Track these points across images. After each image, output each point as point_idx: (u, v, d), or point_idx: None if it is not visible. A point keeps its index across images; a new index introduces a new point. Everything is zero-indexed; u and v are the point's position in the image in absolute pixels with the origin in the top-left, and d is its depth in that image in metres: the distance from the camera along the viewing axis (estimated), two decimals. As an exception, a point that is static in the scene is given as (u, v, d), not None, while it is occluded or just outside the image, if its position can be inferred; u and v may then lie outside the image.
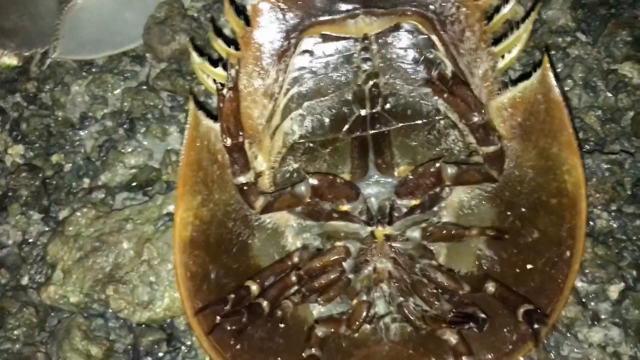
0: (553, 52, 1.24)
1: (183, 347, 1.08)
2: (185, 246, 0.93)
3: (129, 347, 1.09)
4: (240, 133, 0.92)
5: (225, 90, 0.91)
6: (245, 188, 0.96)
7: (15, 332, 1.10)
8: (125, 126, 1.23)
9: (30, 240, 1.17)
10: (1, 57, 1.31)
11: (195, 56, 1.05)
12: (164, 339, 1.08)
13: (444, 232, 0.97)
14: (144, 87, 1.27)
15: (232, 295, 0.90)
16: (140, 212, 1.12)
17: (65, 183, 1.21)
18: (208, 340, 0.91)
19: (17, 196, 1.19)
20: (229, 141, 0.91)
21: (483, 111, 0.91)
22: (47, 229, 1.17)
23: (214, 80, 1.05)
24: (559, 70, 1.23)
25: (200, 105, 1.11)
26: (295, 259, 0.95)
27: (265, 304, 0.88)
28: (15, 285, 1.14)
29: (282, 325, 0.95)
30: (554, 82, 0.96)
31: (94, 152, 1.23)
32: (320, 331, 0.91)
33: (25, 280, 1.14)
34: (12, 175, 1.21)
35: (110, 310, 1.10)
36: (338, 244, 0.96)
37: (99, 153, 1.22)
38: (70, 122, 1.25)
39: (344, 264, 0.94)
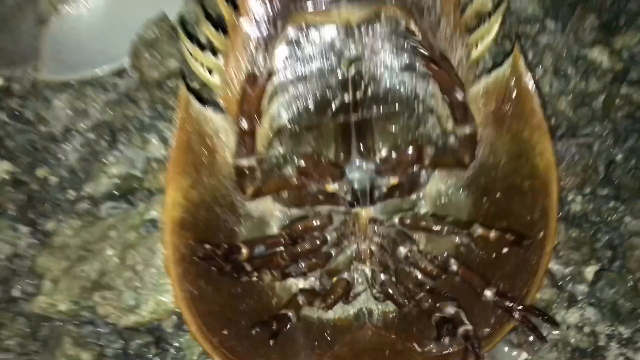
0: (523, 40, 1.24)
1: (171, 349, 1.09)
2: (175, 227, 0.95)
3: (119, 351, 1.10)
4: (258, 120, 0.95)
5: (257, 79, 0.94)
6: (245, 171, 0.97)
7: (9, 342, 1.11)
8: (106, 137, 1.23)
9: (20, 253, 1.17)
10: None
11: (186, 42, 1.06)
12: (152, 342, 1.10)
13: (424, 223, 0.97)
14: (124, 98, 1.25)
15: (226, 246, 0.92)
16: (123, 219, 1.14)
17: (51, 196, 1.21)
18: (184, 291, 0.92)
19: (3, 210, 1.20)
20: (245, 125, 0.94)
21: (464, 90, 0.93)
22: (35, 241, 1.17)
23: (208, 69, 1.04)
24: (529, 57, 1.23)
25: (189, 86, 1.07)
26: (286, 237, 0.96)
27: (248, 268, 0.92)
28: (7, 297, 1.15)
29: (256, 292, 0.96)
30: (524, 69, 0.99)
31: (77, 165, 1.23)
32: (300, 299, 0.94)
33: (16, 292, 1.15)
34: (1, 191, 1.20)
35: (99, 316, 1.11)
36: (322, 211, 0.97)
37: (82, 165, 1.22)
38: (53, 137, 1.25)
39: (326, 234, 0.97)
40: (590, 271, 1.10)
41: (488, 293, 0.92)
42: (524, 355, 1.05)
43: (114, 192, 1.20)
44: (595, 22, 1.26)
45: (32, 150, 1.24)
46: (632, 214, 1.14)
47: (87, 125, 1.25)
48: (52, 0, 1.26)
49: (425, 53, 0.96)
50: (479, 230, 0.95)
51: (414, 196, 1.01)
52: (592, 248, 1.11)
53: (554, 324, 0.96)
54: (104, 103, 1.25)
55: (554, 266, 1.10)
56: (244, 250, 0.94)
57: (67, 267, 1.13)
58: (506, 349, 1.04)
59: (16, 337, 1.11)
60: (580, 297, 1.09)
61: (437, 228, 0.98)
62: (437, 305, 0.94)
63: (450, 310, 0.90)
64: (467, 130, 0.96)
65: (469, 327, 0.89)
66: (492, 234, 0.93)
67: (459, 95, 0.95)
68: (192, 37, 1.16)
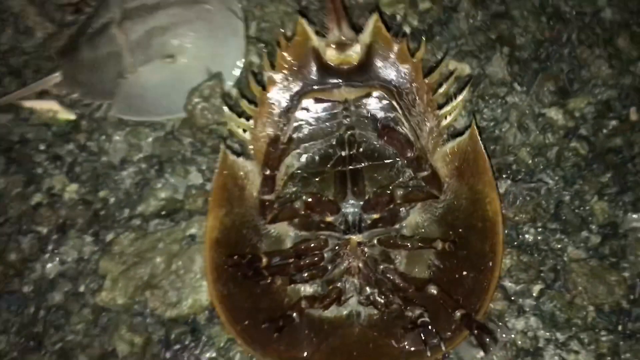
0: (493, 100, 1.33)
1: (203, 337, 1.19)
2: (212, 244, 1.11)
3: (162, 337, 1.19)
4: (277, 169, 1.13)
5: (278, 140, 1.13)
6: (267, 203, 1.12)
7: (77, 327, 1.21)
8: (155, 167, 1.33)
9: (85, 258, 1.26)
10: (59, 113, 1.39)
11: (227, 111, 1.24)
12: (188, 331, 1.19)
13: (398, 241, 1.11)
14: (170, 136, 1.34)
15: (250, 256, 1.06)
16: (168, 234, 1.24)
17: (110, 213, 1.30)
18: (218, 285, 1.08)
19: (74, 224, 1.29)
20: (268, 172, 1.11)
21: (414, 149, 1.08)
22: (97, 248, 1.27)
23: (243, 129, 1.21)
24: (498, 114, 1.33)
25: (227, 145, 1.23)
26: (295, 252, 1.11)
27: (266, 274, 1.07)
28: (75, 292, 1.24)
29: (271, 293, 1.10)
30: (478, 138, 1.15)
31: (132, 188, 1.32)
32: (303, 303, 1.06)
33: (82, 288, 1.24)
34: (70, 207, 1.30)
35: (148, 309, 1.21)
36: (321, 236, 1.12)
37: (135, 189, 1.32)
38: (112, 165, 1.34)
39: (324, 253, 1.11)
40: (536, 289, 1.20)
41: (457, 314, 1.03)
42: (482, 353, 1.14)
43: (161, 212, 1.29)
44: (553, 87, 1.35)
45: (96, 176, 1.33)
46: (573, 245, 1.23)
47: (140, 157, 1.35)
48: (133, 62, 1.34)
49: (379, 127, 1.12)
50: (439, 245, 1.06)
51: (397, 226, 1.13)
52: (538, 270, 1.20)
53: (494, 338, 1.09)
54: (153, 140, 1.36)
55: (507, 284, 1.19)
56: (264, 260, 1.07)
57: (124, 270, 1.22)
58: (467, 347, 1.14)
59: (82, 323, 1.21)
60: (527, 309, 1.18)
61: (406, 243, 1.10)
62: (407, 309, 1.03)
63: (416, 312, 1.02)
64: (424, 173, 1.09)
65: (426, 319, 1.01)
66: (446, 245, 1.05)
67: (410, 154, 1.08)
68: (232, 107, 1.27)
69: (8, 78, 1.46)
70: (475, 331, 1.01)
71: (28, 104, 1.41)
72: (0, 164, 1.35)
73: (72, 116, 1.39)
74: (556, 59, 1.39)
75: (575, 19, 1.43)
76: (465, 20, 1.42)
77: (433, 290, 1.05)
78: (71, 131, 1.38)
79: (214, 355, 1.18)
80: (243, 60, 1.36)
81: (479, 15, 1.42)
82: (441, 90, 1.21)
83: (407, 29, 1.42)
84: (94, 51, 1.38)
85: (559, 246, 1.23)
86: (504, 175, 1.28)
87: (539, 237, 1.24)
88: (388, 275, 1.08)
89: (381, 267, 1.09)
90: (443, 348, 1.04)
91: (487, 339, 1.04)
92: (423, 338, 1.01)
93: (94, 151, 1.36)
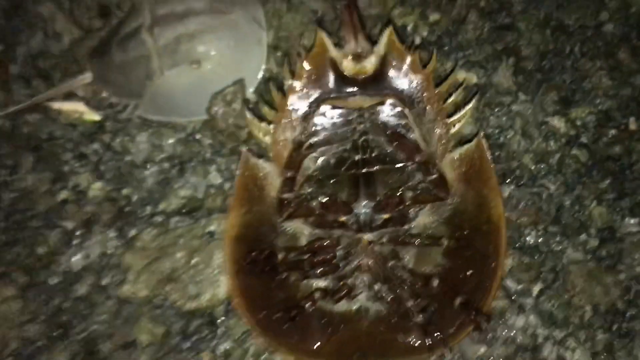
0: (498, 108, 1.37)
1: (220, 329, 1.21)
2: (232, 240, 1.16)
3: (182, 328, 1.22)
4: (298, 171, 1.19)
5: (302, 145, 1.20)
6: (285, 202, 1.18)
7: (101, 317, 1.23)
8: (177, 167, 1.35)
9: (109, 252, 1.28)
10: (85, 114, 1.43)
11: (249, 115, 1.29)
12: (206, 323, 1.22)
13: (407, 239, 1.16)
14: (191, 138, 1.38)
15: (266, 257, 1.12)
16: (189, 231, 1.27)
17: (133, 210, 1.32)
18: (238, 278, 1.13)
19: (98, 220, 1.31)
20: (289, 174, 1.18)
21: (421, 154, 1.15)
22: (120, 243, 1.28)
23: (263, 133, 1.27)
24: (503, 121, 1.36)
25: (247, 147, 1.29)
26: (309, 249, 1.16)
27: (282, 269, 1.12)
28: (99, 284, 1.26)
29: (286, 287, 1.14)
30: (484, 146, 1.20)
31: (154, 187, 1.34)
32: (316, 296, 1.10)
33: (106, 281, 1.26)
34: (95, 204, 1.32)
35: (168, 302, 1.23)
36: (334, 235, 1.16)
37: (157, 187, 1.34)
38: (135, 165, 1.36)
39: (337, 251, 1.14)
40: (536, 288, 1.22)
41: (457, 301, 1.08)
42: (483, 348, 1.17)
43: (182, 209, 1.31)
44: (556, 96, 1.38)
45: (120, 174, 1.36)
46: (572, 247, 1.26)
47: (162, 157, 1.38)
48: (160, 66, 1.37)
49: (389, 133, 1.18)
50: (445, 242, 1.13)
51: (406, 227, 1.17)
52: (539, 271, 1.23)
53: (488, 321, 1.10)
54: (175, 141, 1.39)
55: (508, 283, 1.22)
56: (280, 256, 1.13)
57: (146, 264, 1.25)
58: (470, 343, 1.18)
59: (105, 314, 1.23)
60: (527, 307, 1.20)
61: (413, 240, 1.14)
62: (413, 305, 1.08)
63: (422, 306, 1.07)
64: (432, 176, 1.16)
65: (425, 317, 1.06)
66: (451, 243, 1.12)
67: (418, 158, 1.15)
68: (253, 112, 1.31)
69: (37, 80, 1.50)
70: (473, 316, 1.06)
71: (56, 105, 1.45)
72: (29, 161, 1.38)
73: (97, 117, 1.43)
74: (559, 70, 1.42)
75: (577, 32, 1.46)
76: (473, 32, 1.46)
77: (435, 282, 1.10)
78: (97, 131, 1.42)
79: (230, 346, 1.21)
80: (264, 68, 1.41)
81: (485, 27, 1.46)
82: (450, 99, 1.27)
83: (417, 40, 1.46)
84: (125, 54, 1.42)
85: (559, 248, 1.26)
86: (507, 180, 1.31)
87: (540, 240, 1.26)
88: (396, 271, 1.13)
89: (390, 263, 1.14)
90: (444, 344, 1.08)
91: (485, 326, 1.09)
92: (425, 334, 1.07)
93: (118, 151, 1.39)
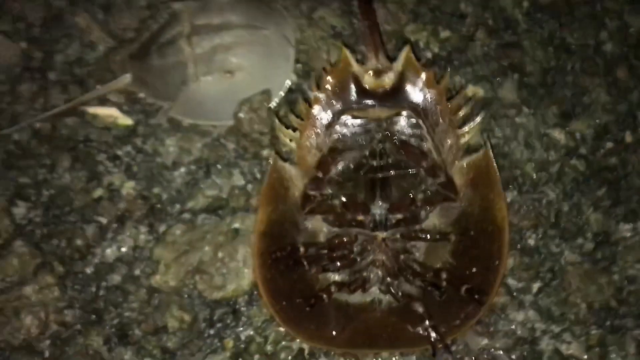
0: (503, 120, 1.41)
1: (243, 317, 1.25)
2: (260, 235, 1.21)
3: (208, 316, 1.25)
4: (328, 173, 1.25)
5: (335, 150, 1.26)
6: (310, 197, 1.24)
7: (133, 305, 1.27)
8: (203, 169, 1.39)
9: (140, 246, 1.32)
10: (119, 119, 1.48)
11: (277, 122, 1.38)
12: (230, 311, 1.25)
13: (418, 234, 1.21)
14: (217, 142, 1.41)
15: (289, 248, 1.17)
16: (215, 227, 1.30)
17: (163, 207, 1.35)
18: (263, 269, 1.18)
19: (131, 216, 1.35)
20: (320, 174, 1.24)
21: (428, 160, 1.22)
22: (151, 238, 1.32)
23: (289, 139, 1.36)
24: (507, 132, 1.39)
25: (276, 151, 1.35)
26: (328, 245, 1.21)
27: (303, 262, 1.17)
28: (131, 275, 1.29)
29: (306, 279, 1.19)
30: (491, 156, 1.25)
31: (182, 187, 1.38)
32: (333, 287, 1.15)
33: (137, 272, 1.29)
34: (127, 201, 1.36)
35: (196, 292, 1.26)
36: (352, 233, 1.21)
37: (186, 187, 1.38)
38: (166, 166, 1.40)
39: (353, 247, 1.18)
40: (535, 286, 1.25)
41: (462, 289, 1.14)
42: (485, 340, 1.20)
43: (208, 208, 1.34)
44: (557, 110, 1.41)
45: (150, 175, 1.39)
46: (570, 250, 1.29)
47: (190, 159, 1.40)
48: (196, 72, 1.44)
49: (399, 143, 1.25)
50: (453, 237, 1.19)
51: (417, 227, 1.21)
52: (537, 271, 1.26)
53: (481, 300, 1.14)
54: (202, 145, 1.41)
55: (510, 281, 1.26)
56: (301, 250, 1.17)
57: (176, 257, 1.27)
58: (474, 336, 1.21)
59: (137, 302, 1.27)
60: (526, 304, 1.23)
61: (424, 235, 1.21)
62: (418, 302, 1.13)
63: (435, 293, 1.13)
64: (440, 179, 1.22)
65: (423, 311, 1.11)
66: (458, 239, 1.18)
67: (425, 164, 1.22)
68: (280, 119, 1.39)
69: (73, 86, 1.56)
70: (476, 296, 1.14)
71: (92, 109, 1.52)
72: (66, 161, 1.42)
73: (130, 122, 1.49)
74: (561, 85, 1.44)
75: (579, 50, 1.48)
76: (481, 49, 1.49)
77: (443, 275, 1.16)
78: (129, 135, 1.45)
79: (251, 333, 1.24)
80: (290, 81, 1.48)
81: (492, 45, 1.49)
82: (461, 113, 1.34)
83: (429, 55, 1.53)
84: (163, 59, 1.48)
85: (557, 250, 1.29)
86: (510, 187, 1.35)
87: (540, 242, 1.30)
88: (407, 263, 1.19)
89: (402, 257, 1.20)
90: (433, 335, 1.13)
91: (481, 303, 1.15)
92: (425, 327, 1.13)
93: (149, 153, 1.42)
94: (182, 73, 1.44)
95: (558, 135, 1.40)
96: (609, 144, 1.40)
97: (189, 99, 1.44)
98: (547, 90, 1.44)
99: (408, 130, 1.27)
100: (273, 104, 1.47)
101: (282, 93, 1.48)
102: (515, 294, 1.25)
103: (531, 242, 1.31)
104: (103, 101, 1.54)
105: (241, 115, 1.42)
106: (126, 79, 1.53)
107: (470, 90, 1.43)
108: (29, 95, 1.54)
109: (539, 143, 1.38)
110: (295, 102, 1.37)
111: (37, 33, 1.63)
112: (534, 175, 1.36)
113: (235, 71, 1.45)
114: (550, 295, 1.25)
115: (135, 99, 1.52)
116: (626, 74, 1.47)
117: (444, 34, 1.53)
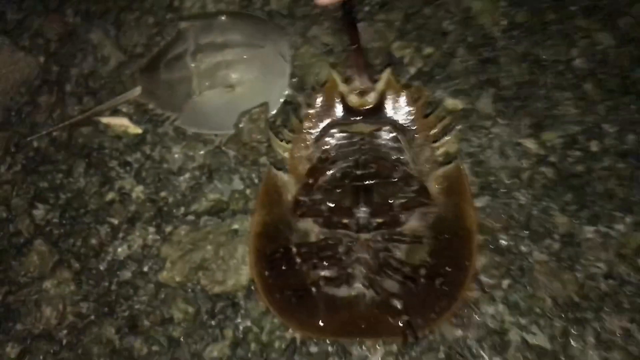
0: (480, 130, 1.43)
1: (242, 310, 1.29)
2: (256, 236, 1.27)
3: (209, 308, 1.29)
4: (318, 180, 1.30)
5: (327, 160, 1.31)
6: (301, 202, 1.27)
7: (142, 298, 1.33)
8: (206, 175, 1.44)
9: (148, 245, 1.37)
10: (129, 128, 1.53)
11: (272, 135, 1.41)
12: (230, 304, 1.29)
13: (396, 236, 1.24)
14: (218, 150, 1.46)
15: (282, 250, 1.23)
16: (216, 228, 1.36)
17: (170, 210, 1.41)
18: (260, 271, 1.22)
19: (140, 217, 1.41)
20: (311, 181, 1.29)
21: (400, 171, 1.27)
22: (158, 237, 1.37)
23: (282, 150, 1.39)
24: (483, 142, 1.41)
25: (269, 161, 1.40)
26: (317, 245, 1.24)
27: (298, 261, 1.22)
28: (140, 271, 1.35)
29: (297, 275, 1.23)
30: (461, 167, 1.32)
31: (187, 191, 1.43)
32: (321, 282, 1.20)
33: (146, 269, 1.35)
34: (137, 204, 1.42)
35: (199, 286, 1.30)
36: (338, 234, 1.25)
37: (190, 191, 1.43)
38: (172, 172, 1.46)
39: (340, 247, 1.24)
40: (505, 283, 1.28)
41: (436, 282, 1.19)
42: (460, 332, 1.24)
43: (210, 210, 1.40)
44: (530, 122, 1.43)
45: (158, 180, 1.46)
46: (538, 249, 1.30)
47: (194, 166, 1.46)
48: (199, 86, 1.50)
49: (374, 158, 1.29)
50: (428, 239, 1.22)
51: (397, 229, 1.26)
52: (508, 269, 1.28)
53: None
54: (205, 152, 1.47)
55: (482, 278, 1.28)
56: (294, 250, 1.23)
57: (181, 255, 1.33)
58: (449, 327, 1.25)
59: (146, 296, 1.32)
60: (497, 298, 1.26)
61: (402, 238, 1.24)
62: (397, 295, 1.18)
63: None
64: (414, 187, 1.30)
65: (398, 305, 1.16)
66: (430, 241, 1.22)
67: (398, 174, 1.28)
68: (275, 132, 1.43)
69: (87, 97, 1.65)
70: (448, 289, 1.19)
71: (104, 119, 1.59)
72: (81, 167, 1.50)
73: (139, 131, 1.54)
74: (534, 98, 1.46)
75: (551, 66, 1.51)
76: (460, 64, 1.52)
77: (421, 271, 1.20)
78: (139, 143, 1.51)
79: (249, 324, 1.29)
80: (285, 94, 1.52)
81: (472, 60, 1.53)
82: (436, 129, 1.42)
83: (413, 70, 1.58)
84: (170, 73, 1.54)
85: (526, 250, 1.32)
86: (485, 192, 1.38)
87: (511, 243, 1.33)
88: (388, 261, 1.23)
89: (382, 255, 1.23)
90: (403, 326, 1.18)
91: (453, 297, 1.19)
92: (408, 317, 1.16)
93: (156, 159, 1.48)
94: (188, 87, 1.51)
95: (530, 144, 1.41)
96: (577, 153, 1.40)
97: (194, 110, 1.51)
98: (521, 103, 1.45)
99: (388, 144, 1.34)
100: (271, 115, 1.49)
101: (278, 105, 1.50)
102: (487, 289, 1.28)
103: (503, 242, 1.32)
104: (115, 112, 1.60)
105: (241, 125, 1.44)
106: (136, 91, 1.61)
107: (450, 103, 1.46)
108: (47, 106, 1.62)
109: (512, 152, 1.40)
110: (291, 113, 1.43)
111: (54, 48, 1.70)
112: (507, 182, 1.37)
113: (236, 85, 1.49)
114: (519, 290, 1.27)
115: (145, 110, 1.57)
116: (593, 88, 1.47)
117: (427, 50, 1.55)
